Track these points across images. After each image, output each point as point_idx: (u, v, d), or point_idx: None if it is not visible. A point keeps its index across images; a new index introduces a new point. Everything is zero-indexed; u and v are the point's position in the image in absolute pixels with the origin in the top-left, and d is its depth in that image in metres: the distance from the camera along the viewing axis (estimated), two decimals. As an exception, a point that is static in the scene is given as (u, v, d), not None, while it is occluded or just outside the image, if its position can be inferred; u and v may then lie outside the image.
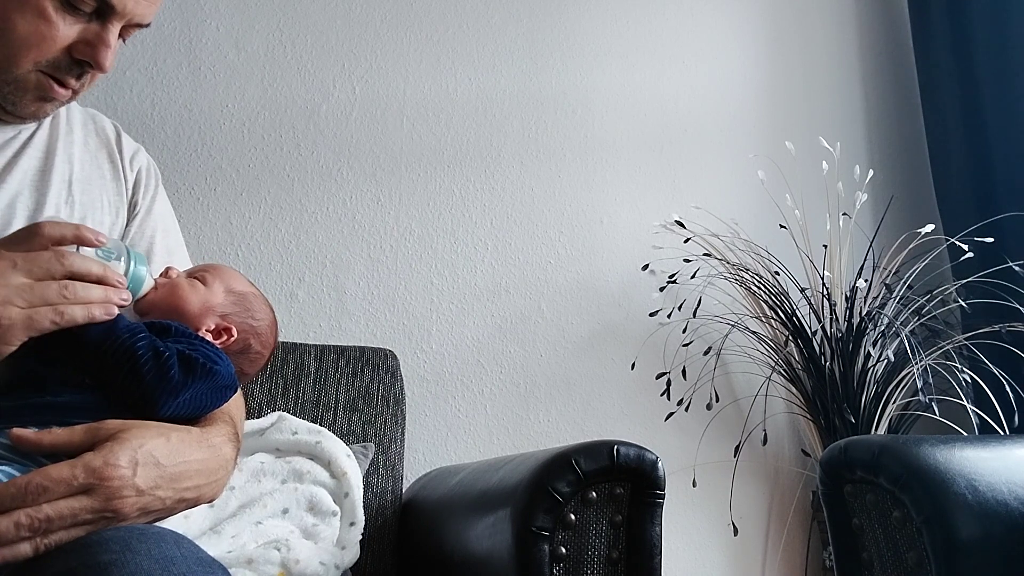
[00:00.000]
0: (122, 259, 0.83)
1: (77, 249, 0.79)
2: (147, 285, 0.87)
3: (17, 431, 0.72)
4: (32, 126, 0.97)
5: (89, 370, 0.78)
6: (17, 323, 0.72)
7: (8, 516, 0.66)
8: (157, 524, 0.75)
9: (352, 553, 1.28)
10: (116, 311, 0.78)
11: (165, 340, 0.83)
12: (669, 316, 1.92)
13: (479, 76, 1.92)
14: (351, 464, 1.35)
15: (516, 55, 1.96)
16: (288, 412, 1.43)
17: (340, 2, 1.84)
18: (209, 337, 0.91)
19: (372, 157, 1.81)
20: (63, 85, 0.90)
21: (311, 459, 1.33)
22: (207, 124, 1.71)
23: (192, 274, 0.95)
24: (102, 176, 1.03)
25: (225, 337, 0.93)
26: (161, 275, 0.93)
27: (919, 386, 1.71)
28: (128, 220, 1.05)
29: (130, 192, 1.05)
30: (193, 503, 0.80)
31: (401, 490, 1.53)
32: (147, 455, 0.73)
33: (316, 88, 1.79)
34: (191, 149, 1.69)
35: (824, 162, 1.95)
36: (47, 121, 0.99)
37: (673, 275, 1.91)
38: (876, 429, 1.76)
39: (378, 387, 1.55)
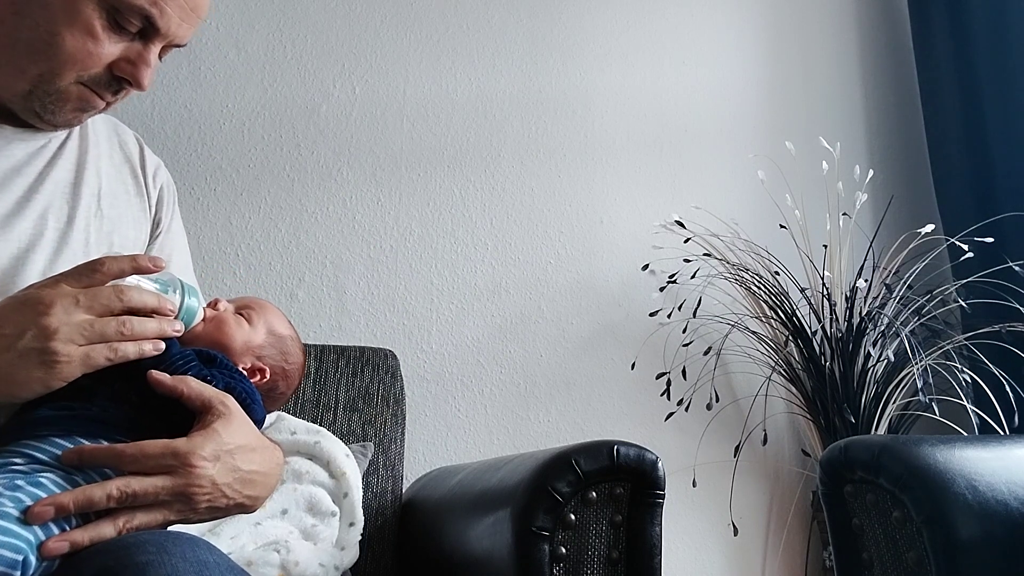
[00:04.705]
0: (177, 292, 0.86)
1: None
2: (198, 316, 0.90)
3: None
4: (61, 136, 0.98)
5: (139, 389, 0.80)
6: (75, 360, 0.75)
7: (102, 487, 0.71)
8: (187, 532, 0.77)
9: (352, 554, 1.28)
10: (164, 346, 0.81)
11: (211, 369, 0.85)
12: (669, 316, 1.92)
13: (479, 76, 1.92)
14: (350, 464, 1.35)
15: (516, 55, 1.96)
16: (288, 412, 1.43)
17: (340, 2, 1.84)
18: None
19: (372, 157, 1.81)
20: (100, 98, 0.91)
21: (310, 459, 1.33)
22: (207, 124, 1.71)
23: (238, 310, 0.96)
24: (127, 191, 1.03)
25: (259, 377, 0.94)
26: (209, 305, 0.94)
27: (919, 386, 1.71)
28: (151, 237, 1.06)
29: (153, 209, 1.06)
30: (245, 510, 0.84)
31: (401, 490, 1.53)
32: (229, 454, 0.78)
33: (316, 88, 1.79)
34: (191, 149, 1.69)
35: (824, 162, 1.95)
36: (76, 131, 1.00)
37: (673, 275, 1.91)
38: (876, 429, 1.76)
39: (378, 387, 1.55)
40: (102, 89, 0.90)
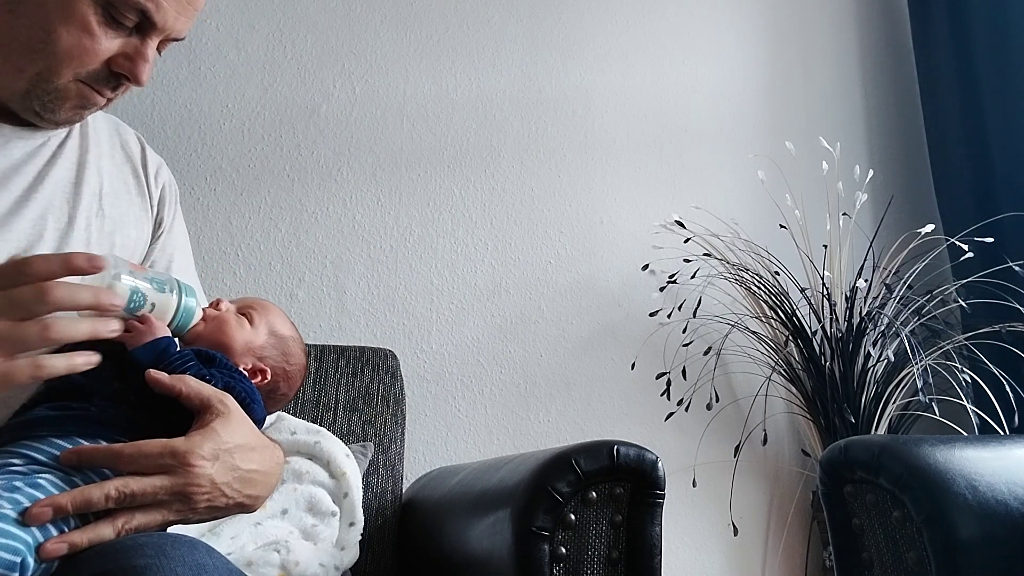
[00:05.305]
0: (174, 292, 0.84)
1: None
2: (196, 317, 0.88)
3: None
4: (61, 134, 0.96)
5: (137, 388, 0.79)
6: None
7: (101, 487, 0.70)
8: (186, 534, 0.76)
9: (352, 554, 1.28)
10: (98, 359, 0.75)
11: (210, 369, 0.85)
12: (669, 316, 1.92)
13: (479, 76, 1.92)
14: (350, 464, 1.35)
15: (516, 55, 1.96)
16: (287, 412, 1.43)
17: (340, 2, 1.84)
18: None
19: (372, 157, 1.81)
20: (99, 94, 0.90)
21: (310, 459, 1.33)
22: (207, 124, 1.71)
23: (240, 310, 0.96)
24: (128, 191, 1.02)
25: (260, 378, 0.94)
26: (211, 305, 0.94)
27: (919, 386, 1.71)
28: (153, 237, 1.04)
29: (155, 209, 1.05)
30: (245, 510, 0.83)
31: (401, 490, 1.53)
32: (228, 453, 0.78)
33: (316, 88, 1.79)
34: (191, 149, 1.69)
35: (824, 162, 1.95)
36: (76, 129, 0.98)
37: (673, 275, 1.91)
38: (876, 429, 1.76)
39: (378, 387, 1.55)
40: (101, 85, 0.89)
